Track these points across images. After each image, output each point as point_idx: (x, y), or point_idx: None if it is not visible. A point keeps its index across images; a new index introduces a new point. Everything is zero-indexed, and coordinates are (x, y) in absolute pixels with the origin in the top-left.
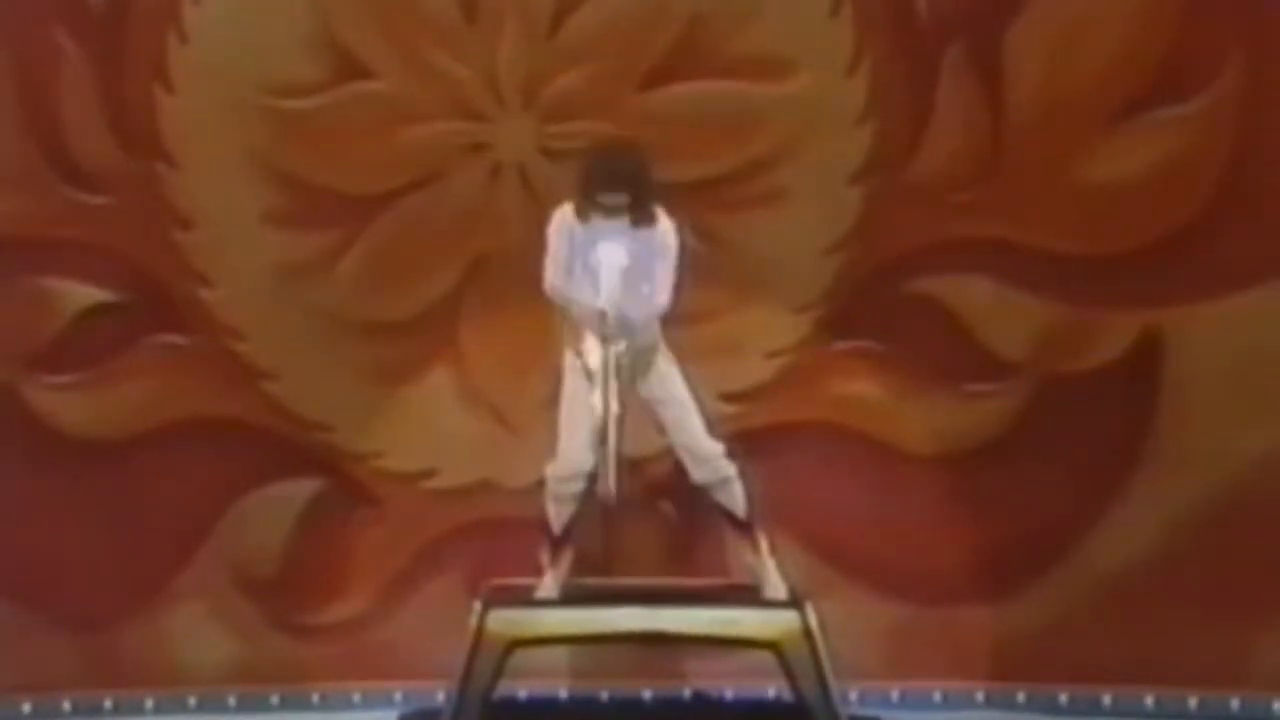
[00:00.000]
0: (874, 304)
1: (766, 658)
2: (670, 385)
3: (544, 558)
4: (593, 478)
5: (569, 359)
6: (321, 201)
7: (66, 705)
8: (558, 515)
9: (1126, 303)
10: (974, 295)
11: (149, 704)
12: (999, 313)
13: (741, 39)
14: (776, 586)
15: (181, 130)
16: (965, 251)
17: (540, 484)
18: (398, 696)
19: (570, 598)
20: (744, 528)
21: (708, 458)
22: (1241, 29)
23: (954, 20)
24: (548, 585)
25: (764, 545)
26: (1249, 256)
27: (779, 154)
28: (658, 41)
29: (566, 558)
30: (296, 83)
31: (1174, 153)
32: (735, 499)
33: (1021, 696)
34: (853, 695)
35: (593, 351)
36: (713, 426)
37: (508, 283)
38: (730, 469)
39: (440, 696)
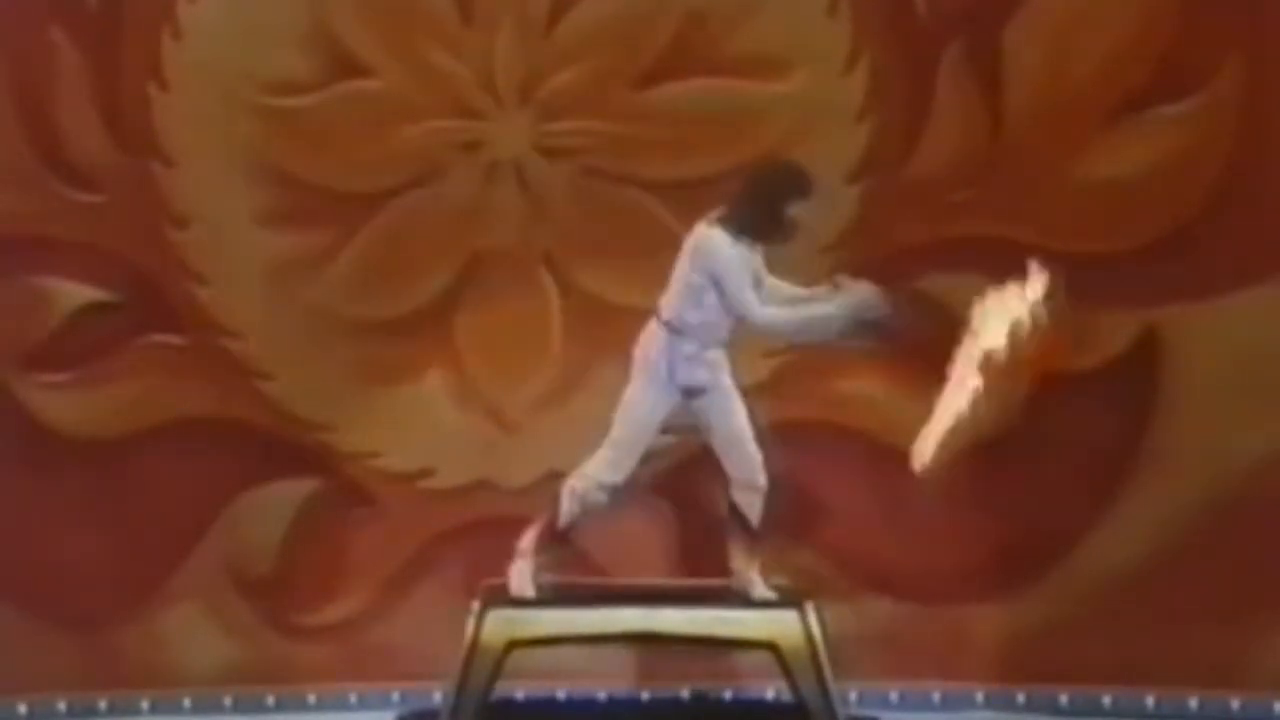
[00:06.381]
0: None
1: (765, 658)
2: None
3: (526, 542)
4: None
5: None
6: (317, 200)
7: (62, 706)
8: (571, 514)
9: (1125, 301)
10: (972, 294)
11: (144, 705)
12: None
13: (739, 37)
14: (763, 595)
15: (176, 128)
16: (964, 250)
17: (539, 482)
18: (395, 697)
19: (569, 598)
20: (752, 537)
21: (752, 461)
22: (1241, 27)
23: (952, 18)
24: (522, 571)
25: (758, 559)
26: (1248, 255)
27: (776, 152)
28: (655, 39)
29: (553, 554)
30: (292, 80)
31: (1173, 151)
32: (755, 509)
33: (1021, 697)
34: (852, 696)
35: None
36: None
37: (504, 281)
38: (764, 479)
39: (438, 697)
